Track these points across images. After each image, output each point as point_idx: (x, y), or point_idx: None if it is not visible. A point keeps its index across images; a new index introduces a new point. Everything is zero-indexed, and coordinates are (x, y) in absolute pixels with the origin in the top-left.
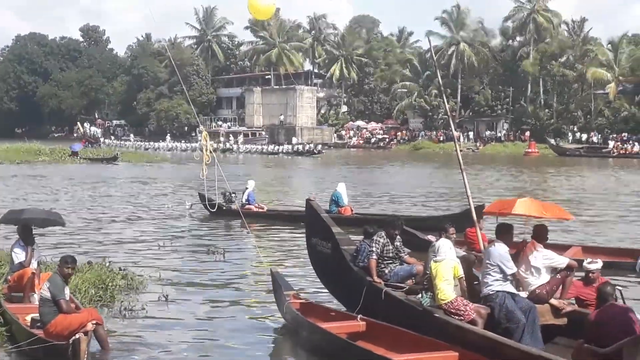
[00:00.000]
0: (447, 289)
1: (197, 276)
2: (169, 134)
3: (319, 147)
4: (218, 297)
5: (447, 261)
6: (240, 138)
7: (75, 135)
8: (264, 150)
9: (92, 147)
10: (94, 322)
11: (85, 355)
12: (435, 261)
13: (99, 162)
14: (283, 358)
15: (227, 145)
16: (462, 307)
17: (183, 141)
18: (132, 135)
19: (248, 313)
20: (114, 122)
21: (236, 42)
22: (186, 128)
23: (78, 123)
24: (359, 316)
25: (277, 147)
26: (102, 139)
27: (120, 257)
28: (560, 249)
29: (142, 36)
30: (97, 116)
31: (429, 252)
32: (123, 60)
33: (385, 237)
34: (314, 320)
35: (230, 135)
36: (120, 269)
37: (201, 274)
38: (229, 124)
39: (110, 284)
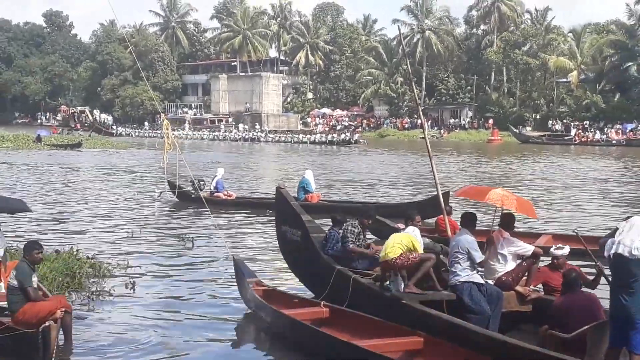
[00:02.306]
0: (395, 251)
1: (164, 263)
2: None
3: (356, 135)
4: (184, 285)
5: (402, 233)
6: (267, 127)
7: (84, 124)
8: (294, 139)
9: (104, 136)
10: (63, 309)
11: (55, 343)
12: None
13: (63, 149)
14: (246, 344)
15: (252, 134)
16: (411, 255)
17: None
18: (146, 122)
19: (213, 300)
20: (79, 108)
21: (201, 29)
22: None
23: (87, 110)
24: (322, 302)
25: (308, 136)
26: (114, 127)
27: (88, 245)
28: (532, 237)
29: (106, 21)
30: (61, 102)
31: None
32: (87, 46)
33: (359, 226)
34: (277, 307)
35: (256, 123)
36: (88, 257)
37: (168, 261)
38: (194, 110)
39: (78, 272)
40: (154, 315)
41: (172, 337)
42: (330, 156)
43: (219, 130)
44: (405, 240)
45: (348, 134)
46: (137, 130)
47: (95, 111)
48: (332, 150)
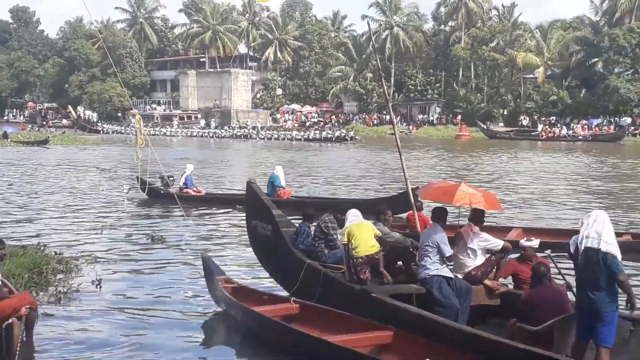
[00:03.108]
0: (376, 245)
1: (132, 260)
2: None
3: (352, 132)
4: (151, 282)
5: (362, 224)
6: (259, 124)
7: (69, 120)
8: (287, 136)
9: (89, 133)
10: (28, 306)
11: (19, 340)
12: (352, 223)
13: (30, 145)
14: (216, 343)
15: (246, 131)
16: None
17: (115, 124)
18: (132, 118)
19: (181, 298)
20: (45, 105)
21: (170, 25)
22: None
23: (70, 107)
24: (292, 299)
25: (302, 133)
26: (99, 124)
27: (55, 241)
28: (502, 231)
29: (73, 18)
30: (27, 99)
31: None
32: (54, 42)
33: (335, 222)
34: (247, 304)
35: (248, 121)
36: (55, 253)
37: (136, 257)
38: (163, 107)
39: (45, 268)
40: (120, 313)
41: (138, 336)
42: (325, 153)
43: (209, 127)
44: (373, 232)
45: (344, 131)
46: (122, 127)
47: (79, 108)
48: (327, 147)
